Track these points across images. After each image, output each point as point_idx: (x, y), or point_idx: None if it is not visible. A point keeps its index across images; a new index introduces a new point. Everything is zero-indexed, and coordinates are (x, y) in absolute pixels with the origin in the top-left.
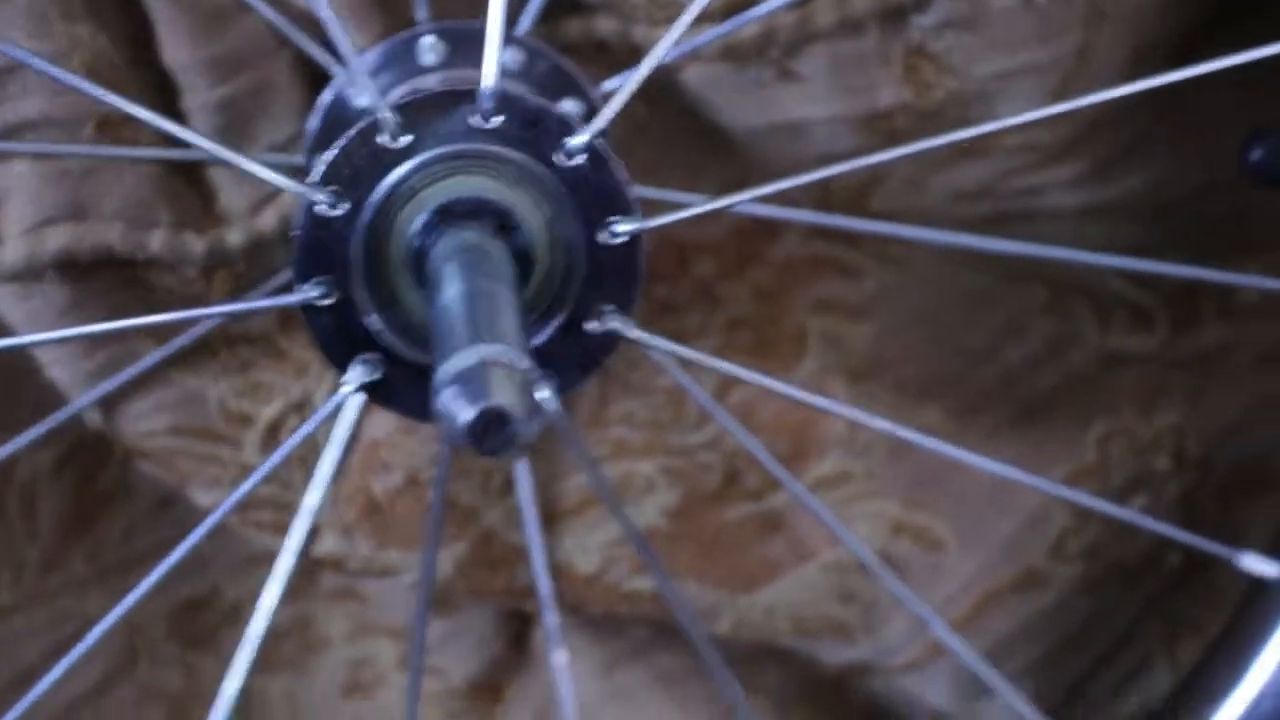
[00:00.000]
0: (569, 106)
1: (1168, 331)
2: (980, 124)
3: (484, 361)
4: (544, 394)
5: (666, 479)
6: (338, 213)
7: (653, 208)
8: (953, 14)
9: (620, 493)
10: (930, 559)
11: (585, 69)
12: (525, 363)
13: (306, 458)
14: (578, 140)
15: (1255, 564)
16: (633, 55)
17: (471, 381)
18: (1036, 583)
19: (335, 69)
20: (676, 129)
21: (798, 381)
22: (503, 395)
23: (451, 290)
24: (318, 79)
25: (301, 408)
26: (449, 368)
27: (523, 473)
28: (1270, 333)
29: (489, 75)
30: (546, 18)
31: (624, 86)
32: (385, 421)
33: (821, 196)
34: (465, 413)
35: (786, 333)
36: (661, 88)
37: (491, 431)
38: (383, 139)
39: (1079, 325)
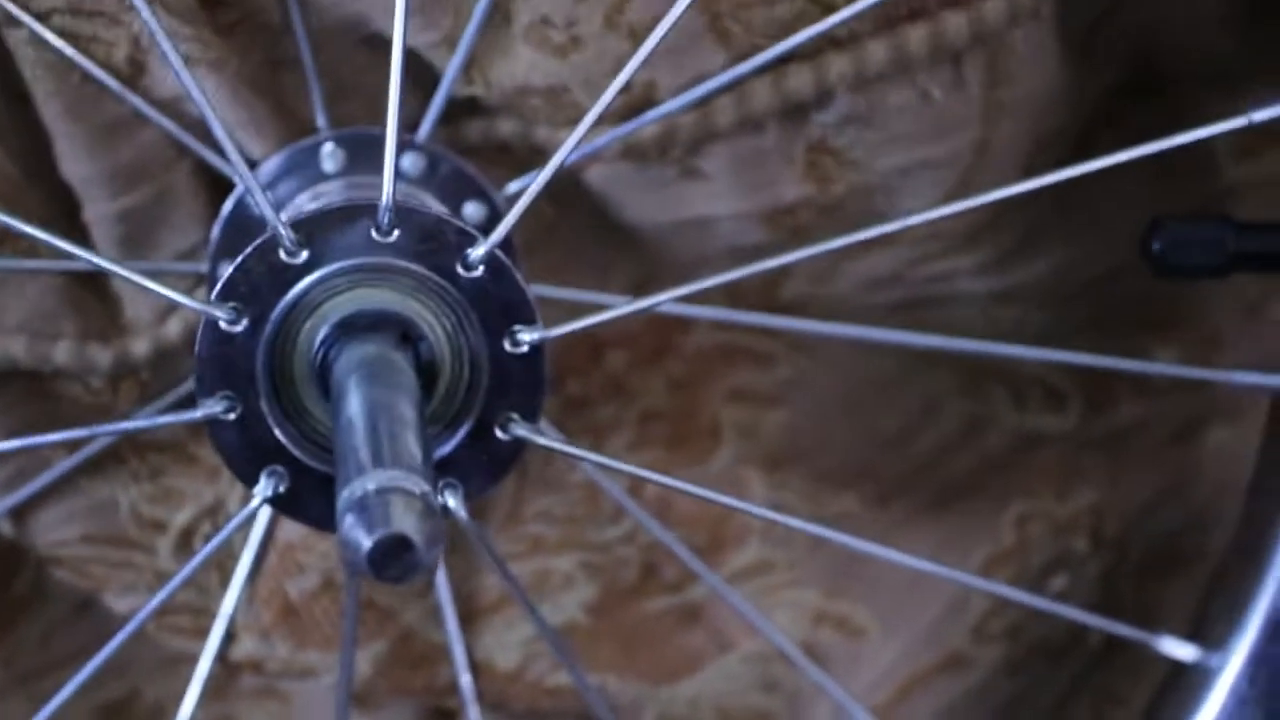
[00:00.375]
0: (472, 210)
1: (1082, 411)
2: (883, 215)
3: (383, 488)
4: (453, 500)
5: (584, 574)
6: (239, 328)
7: (563, 307)
8: (852, 110)
9: (538, 589)
10: (852, 647)
11: (488, 171)
12: (424, 487)
13: (223, 563)
14: (477, 251)
15: (1174, 648)
16: (535, 156)
17: (371, 509)
18: (960, 665)
19: (236, 178)
20: (584, 228)
21: (713, 472)
22: (402, 522)
23: (353, 406)
24: (221, 184)
25: (215, 512)
26: (349, 494)
27: (440, 572)
28: (1184, 410)
29: (386, 190)
30: (447, 120)
31: (524, 194)
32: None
33: (732, 289)
34: (365, 541)
35: (701, 424)
36: (567, 187)
37: (392, 559)
38: (281, 255)
39: (994, 407)
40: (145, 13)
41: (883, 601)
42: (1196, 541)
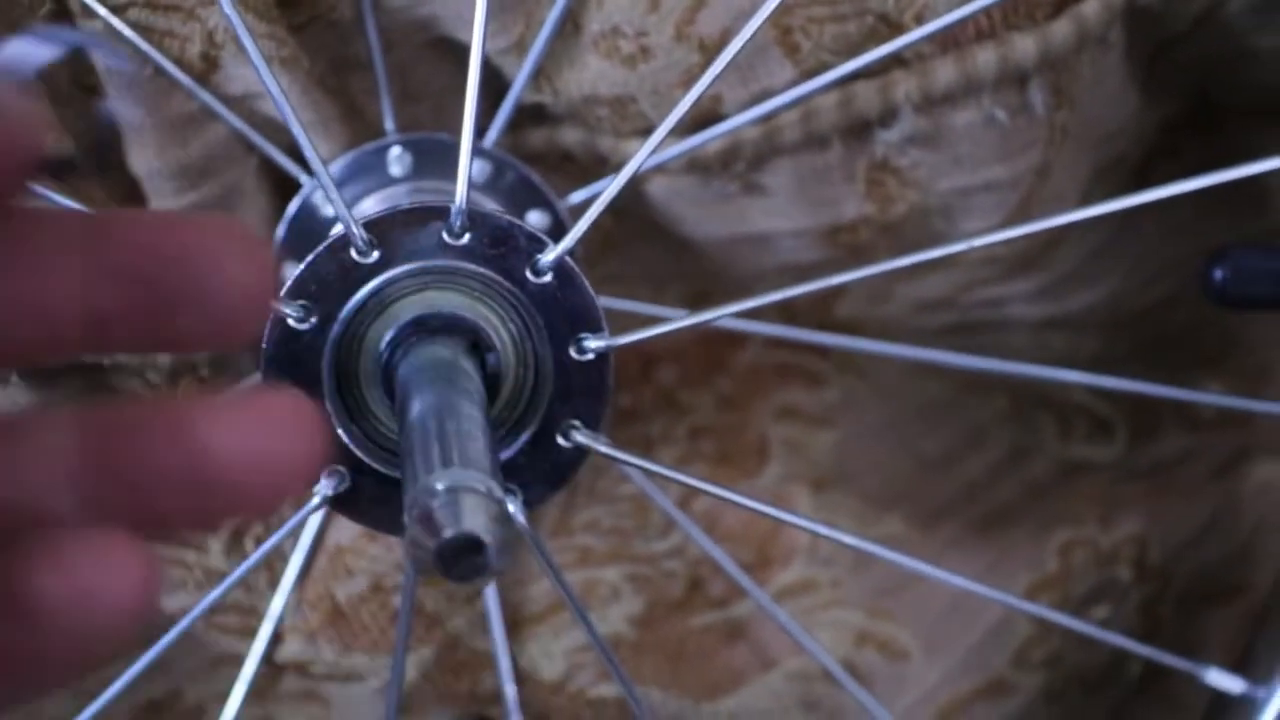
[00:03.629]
0: (536, 218)
1: (1128, 442)
2: (942, 236)
3: (455, 487)
4: (513, 507)
5: (631, 586)
6: (306, 326)
7: (619, 318)
8: (916, 130)
9: (585, 600)
10: (894, 668)
11: (550, 178)
12: (497, 490)
13: (272, 563)
14: (547, 258)
15: (1221, 680)
16: (599, 165)
17: (443, 508)
18: (1000, 691)
19: (303, 178)
20: (642, 239)
21: (760, 489)
22: (474, 523)
23: (420, 407)
24: (286, 185)
25: None
26: (419, 492)
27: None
28: (1229, 443)
29: (460, 192)
30: (512, 128)
31: (595, 204)
32: (351, 527)
33: (786, 306)
34: (436, 540)
35: (749, 441)
36: (628, 199)
37: (462, 559)
38: (352, 254)
39: (1040, 435)
40: (227, 6)
41: (925, 624)
42: (1239, 575)
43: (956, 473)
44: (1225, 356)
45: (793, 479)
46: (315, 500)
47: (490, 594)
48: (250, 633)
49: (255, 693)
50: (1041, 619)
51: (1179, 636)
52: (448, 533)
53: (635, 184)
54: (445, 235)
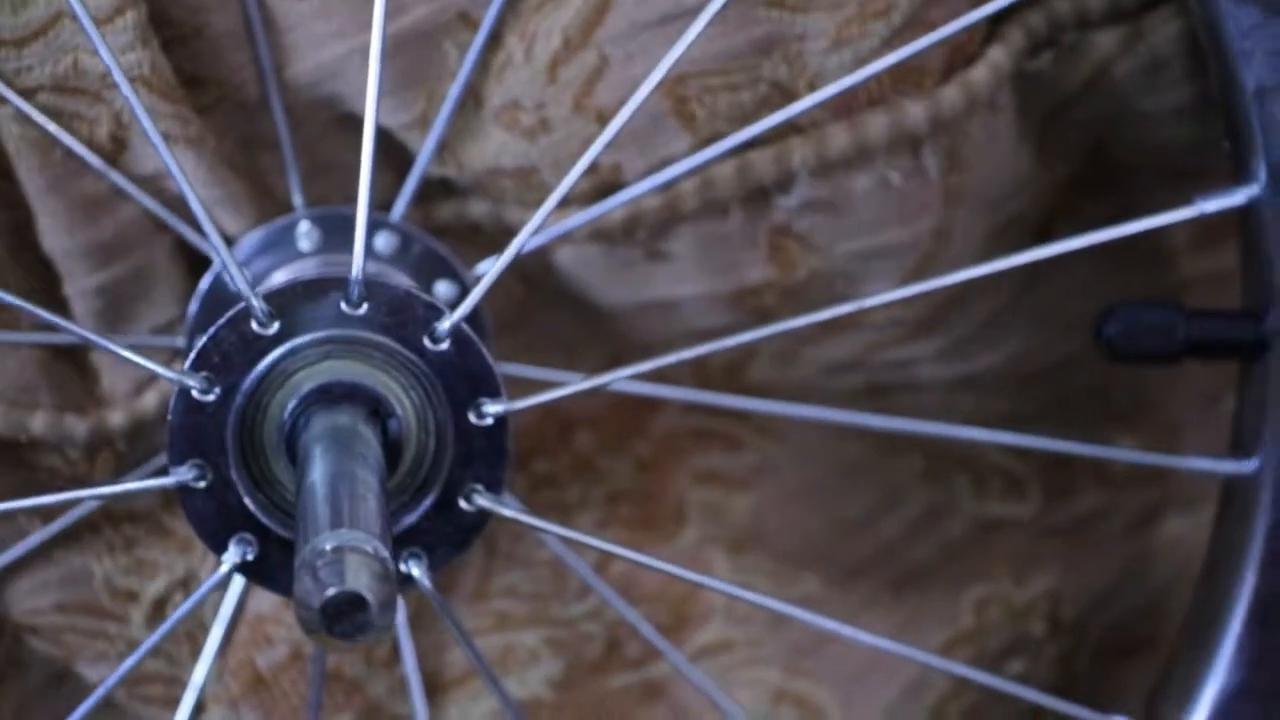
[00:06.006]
0: (444, 288)
1: (1042, 499)
2: (845, 299)
3: (340, 547)
4: (417, 570)
5: (550, 649)
6: (210, 397)
7: (531, 386)
8: (814, 196)
9: (503, 664)
10: None
11: (461, 250)
12: (382, 550)
13: (194, 634)
14: (444, 325)
15: None
16: (506, 236)
17: (327, 567)
18: None
19: (212, 254)
20: (555, 306)
21: (678, 552)
22: (357, 581)
23: (317, 473)
24: (200, 261)
25: (187, 584)
26: (307, 552)
27: (407, 644)
28: (1141, 500)
29: (356, 264)
30: (421, 200)
31: (487, 274)
32: (270, 596)
33: (699, 371)
34: (319, 597)
35: (667, 504)
36: (538, 268)
37: (344, 617)
38: (253, 326)
39: (955, 494)
40: (126, 89)
41: (843, 682)
42: (1152, 628)
43: (873, 532)
44: (1136, 412)
45: (710, 541)
46: (225, 568)
47: (409, 659)
48: (173, 702)
49: None
50: (957, 675)
51: (1096, 689)
52: (331, 590)
53: (543, 253)
54: (344, 305)
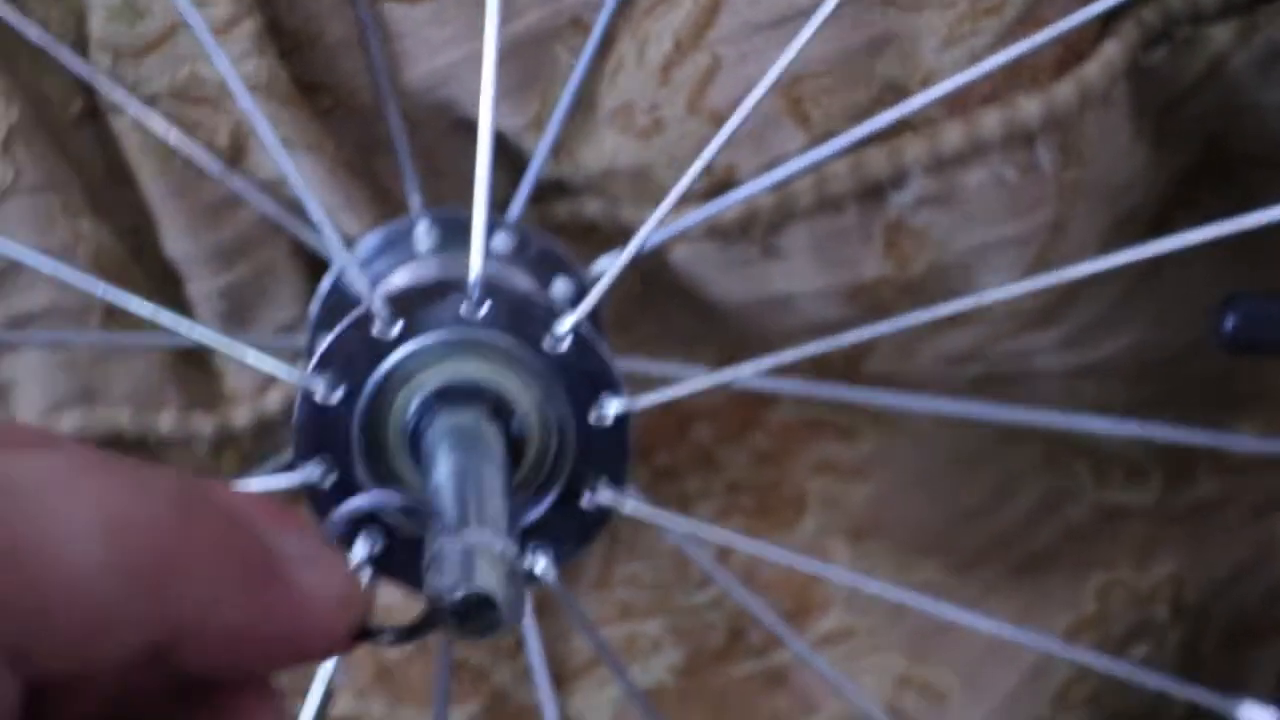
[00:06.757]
0: (561, 286)
1: (1163, 486)
2: (961, 293)
3: (470, 547)
4: (542, 564)
5: (672, 638)
6: (334, 399)
7: (650, 381)
8: (928, 191)
9: (627, 652)
10: (935, 711)
11: (578, 248)
12: (510, 549)
13: None
14: (563, 326)
15: (1253, 713)
16: (622, 234)
17: (457, 566)
18: None
19: (332, 255)
20: (673, 303)
21: (798, 542)
22: (486, 581)
23: (443, 472)
24: (320, 261)
25: None
26: (436, 552)
27: (532, 633)
28: (1264, 485)
29: (475, 266)
30: (537, 200)
31: (607, 272)
32: (397, 590)
33: (817, 363)
34: (449, 597)
35: (786, 495)
36: (654, 265)
37: (474, 615)
38: (376, 328)
39: (1075, 481)
40: (245, 100)
41: (965, 667)
42: (1278, 613)
43: (992, 520)
44: (1257, 400)
45: (830, 531)
46: (355, 561)
47: (534, 648)
48: (303, 692)
49: None
50: (1080, 661)
51: (1222, 675)
52: (460, 591)
53: (660, 251)
54: (464, 307)
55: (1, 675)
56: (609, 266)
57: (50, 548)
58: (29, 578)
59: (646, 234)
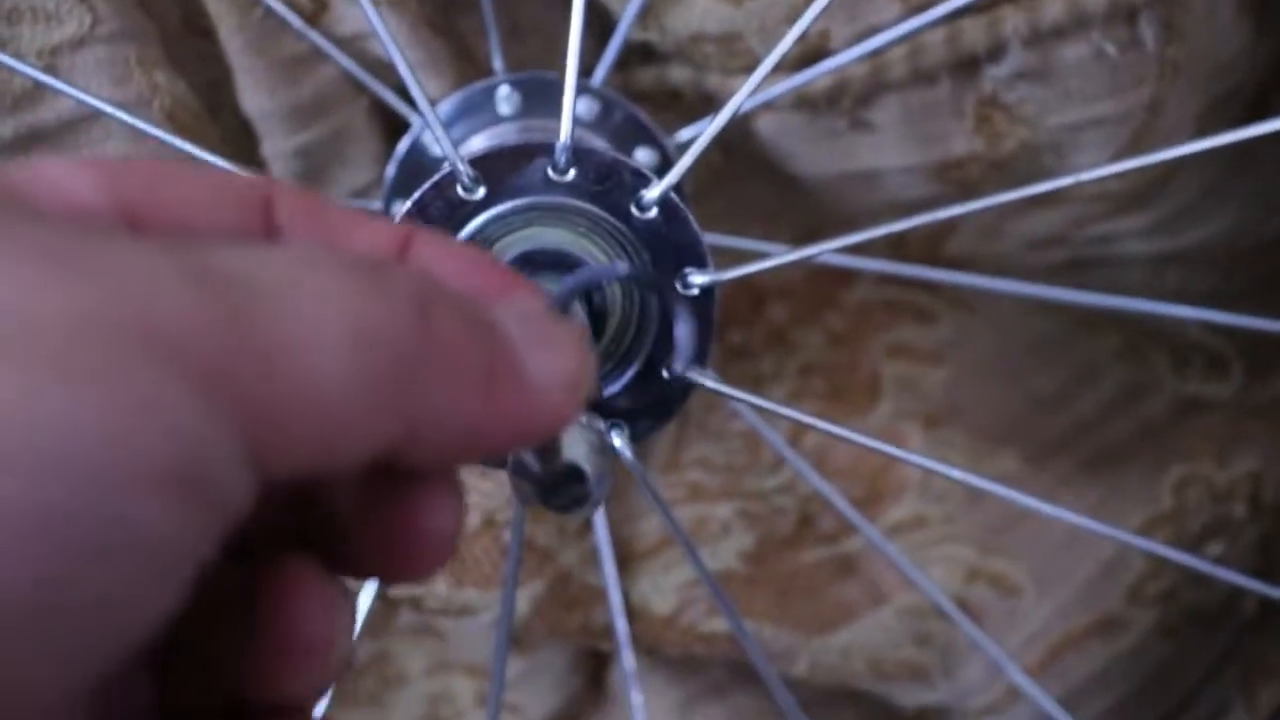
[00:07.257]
0: (643, 155)
1: (1244, 378)
2: (1052, 173)
3: None
4: (619, 440)
5: (742, 522)
6: None
7: (728, 255)
8: (1025, 65)
9: (696, 535)
10: (1006, 604)
11: (659, 117)
12: (597, 421)
13: None
14: (651, 194)
15: None
16: (706, 103)
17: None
18: (1113, 627)
19: (412, 117)
20: (752, 176)
21: (872, 426)
22: (575, 453)
23: None
24: (395, 124)
25: None
26: None
27: (599, 515)
28: None
29: (564, 130)
30: (621, 67)
31: (697, 140)
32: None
33: (897, 243)
34: (537, 470)
35: (860, 378)
36: (736, 136)
37: (562, 489)
38: (459, 191)
39: (1154, 372)
40: None
41: (1038, 560)
42: None
43: (1069, 410)
44: None
45: (904, 415)
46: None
47: (601, 529)
48: None
49: (371, 629)
50: (1155, 555)
51: None
52: (551, 462)
53: (744, 121)
54: (550, 172)
55: (242, 475)
56: (695, 134)
57: (301, 356)
58: (278, 386)
59: (742, 99)
